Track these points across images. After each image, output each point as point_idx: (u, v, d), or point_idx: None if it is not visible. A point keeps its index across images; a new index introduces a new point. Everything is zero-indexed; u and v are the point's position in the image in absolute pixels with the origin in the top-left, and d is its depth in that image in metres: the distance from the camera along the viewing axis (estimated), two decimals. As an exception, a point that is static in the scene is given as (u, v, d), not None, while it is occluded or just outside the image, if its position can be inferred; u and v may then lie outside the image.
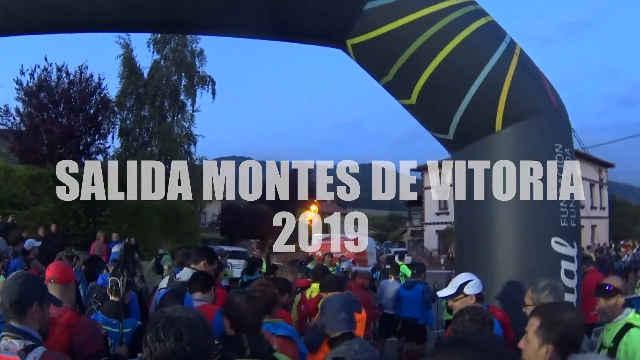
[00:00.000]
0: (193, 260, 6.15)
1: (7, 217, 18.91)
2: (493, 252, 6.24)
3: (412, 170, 56.45)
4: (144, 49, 34.76)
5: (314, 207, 52.82)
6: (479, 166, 6.34)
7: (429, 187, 56.61)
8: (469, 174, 6.49)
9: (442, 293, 5.03)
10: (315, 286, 7.69)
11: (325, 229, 53.04)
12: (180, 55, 33.92)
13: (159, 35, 33.70)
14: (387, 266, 16.91)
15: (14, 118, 27.50)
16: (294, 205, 54.57)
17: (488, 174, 6.24)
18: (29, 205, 21.96)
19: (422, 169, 57.57)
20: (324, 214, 59.21)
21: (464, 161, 6.59)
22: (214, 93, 35.25)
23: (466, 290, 4.68)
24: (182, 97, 34.50)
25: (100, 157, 31.32)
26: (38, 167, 23.80)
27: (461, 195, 6.72)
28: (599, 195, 55.95)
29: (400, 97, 6.86)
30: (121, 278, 4.79)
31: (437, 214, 56.30)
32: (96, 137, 30.11)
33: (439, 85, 6.26)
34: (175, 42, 34.16)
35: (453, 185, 7.02)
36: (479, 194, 6.35)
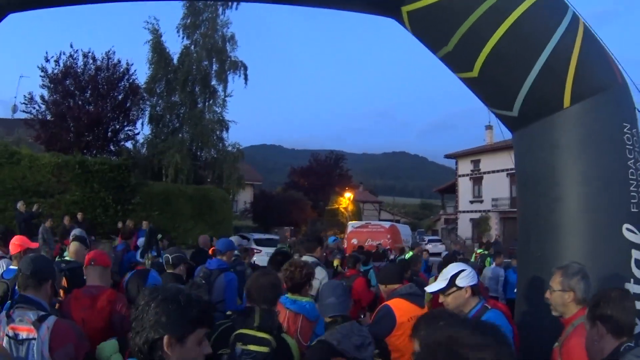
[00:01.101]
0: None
1: (31, 205, 18.46)
2: (561, 241, 5.57)
3: (446, 157, 56.50)
4: (173, 35, 34.01)
5: (348, 194, 52.00)
6: (545, 145, 5.82)
7: (463, 175, 56.01)
8: (535, 154, 5.99)
9: (431, 288, 4.38)
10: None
11: (359, 216, 52.91)
12: (210, 40, 33.11)
13: (189, 20, 33.25)
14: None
15: (39, 106, 27.20)
16: (327, 192, 54.39)
17: (555, 154, 5.71)
18: (54, 193, 21.48)
19: (457, 157, 57.05)
20: (357, 201, 58.82)
21: (528, 141, 6.11)
22: (246, 78, 34.42)
23: (459, 282, 4.10)
24: (213, 82, 33.69)
25: (129, 144, 30.84)
26: (64, 154, 23.25)
27: (525, 179, 6.27)
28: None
29: (461, 70, 6.25)
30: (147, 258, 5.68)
31: (471, 202, 55.89)
32: (125, 124, 29.70)
33: (504, 56, 5.64)
34: (205, 27, 33.42)
35: (516, 167, 6.58)
36: (544, 177, 5.82)
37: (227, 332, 3.72)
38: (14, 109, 28.23)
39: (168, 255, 6.33)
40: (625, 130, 5.58)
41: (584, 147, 5.54)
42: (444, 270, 4.30)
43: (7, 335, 3.27)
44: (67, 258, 6.19)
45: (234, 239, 12.19)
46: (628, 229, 5.35)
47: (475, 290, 4.15)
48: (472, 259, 18.20)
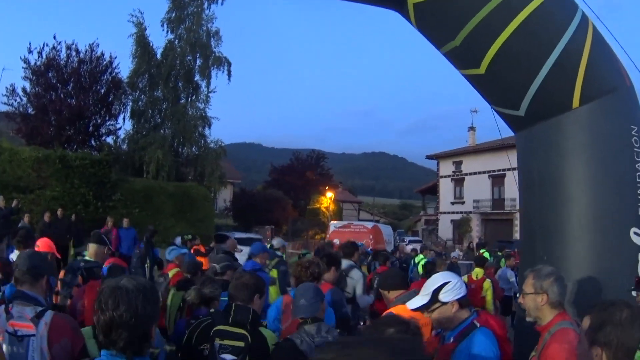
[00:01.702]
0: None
1: (11, 201, 18.07)
2: (568, 244, 5.51)
3: (427, 158, 56.63)
4: (157, 29, 33.60)
5: (329, 194, 51.79)
6: (552, 146, 5.74)
7: (444, 176, 56.19)
8: (540, 155, 5.88)
9: (412, 304, 3.79)
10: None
11: (339, 216, 52.68)
12: (195, 35, 32.71)
13: (174, 14, 32.82)
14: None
15: (20, 99, 26.71)
16: (308, 192, 54.15)
17: (562, 155, 5.62)
18: (34, 188, 21.04)
19: (438, 158, 57.24)
20: (337, 201, 58.62)
21: (534, 141, 5.98)
22: (229, 74, 34.00)
23: (442, 296, 3.62)
24: (196, 78, 33.35)
25: (110, 139, 30.40)
26: (44, 148, 22.81)
27: (530, 180, 6.10)
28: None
29: (466, 66, 6.12)
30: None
31: (452, 203, 55.92)
32: (107, 118, 29.27)
33: (513, 53, 5.50)
34: (190, 21, 33.00)
35: (519, 168, 6.43)
36: (551, 178, 5.73)
37: (207, 328, 3.93)
38: (-5, 102, 27.63)
39: (215, 265, 6.95)
40: (633, 132, 5.54)
41: (591, 149, 5.47)
42: (426, 283, 3.81)
43: (7, 331, 3.32)
44: (86, 257, 6.24)
45: (277, 241, 12.80)
46: (636, 233, 5.31)
47: (464, 302, 3.68)
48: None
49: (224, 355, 3.81)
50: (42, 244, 6.29)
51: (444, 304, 3.61)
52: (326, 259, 6.42)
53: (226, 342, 3.81)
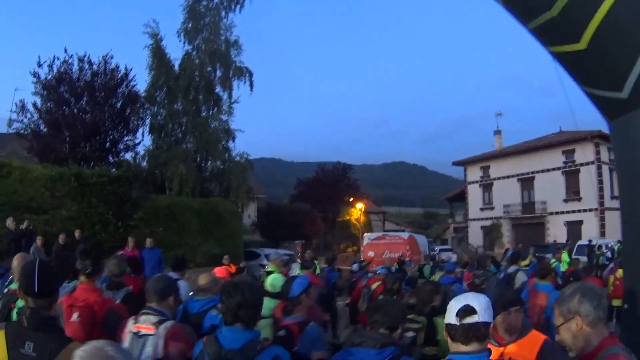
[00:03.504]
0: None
1: (21, 222, 16.53)
2: None
3: (454, 164, 55.91)
4: (173, 40, 32.21)
5: (359, 205, 50.13)
6: None
7: (472, 182, 55.45)
8: None
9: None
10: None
11: (368, 228, 51.27)
12: (213, 44, 31.30)
13: (190, 24, 31.49)
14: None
15: (30, 115, 25.25)
16: (336, 204, 52.62)
17: None
18: (48, 209, 19.29)
19: (465, 164, 56.24)
20: (366, 212, 57.17)
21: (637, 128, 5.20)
22: (251, 85, 32.61)
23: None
24: (217, 89, 31.97)
25: (129, 155, 28.87)
26: (58, 166, 21.18)
27: (635, 173, 5.34)
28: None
29: (562, 42, 5.32)
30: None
31: (482, 209, 55.87)
32: (124, 133, 27.71)
33: (619, 23, 4.77)
34: (207, 31, 31.67)
35: (618, 160, 5.86)
36: None
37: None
38: (10, 123, 26.28)
39: None
40: None
41: None
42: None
43: (130, 331, 4.04)
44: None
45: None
46: None
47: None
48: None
49: None
50: (219, 271, 7.48)
51: None
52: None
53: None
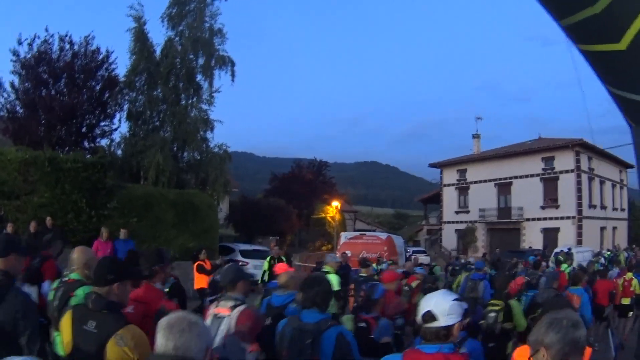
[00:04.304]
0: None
1: (-7, 208, 15.85)
2: None
3: (430, 166, 56.10)
4: (157, 25, 31.25)
5: (335, 203, 49.68)
6: None
7: (448, 185, 55.48)
8: None
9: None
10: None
11: (343, 226, 50.90)
12: (197, 32, 30.39)
13: (175, 9, 30.45)
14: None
15: (7, 95, 24.45)
16: (311, 201, 52.11)
17: None
18: (20, 194, 18.45)
19: (442, 166, 56.40)
20: (341, 211, 56.78)
21: None
22: (233, 75, 31.52)
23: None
24: (198, 78, 30.91)
25: (105, 141, 27.97)
26: (32, 149, 20.35)
27: None
28: (620, 196, 55.25)
29: (600, 41, 4.93)
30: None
31: (457, 212, 56.06)
32: (101, 118, 26.88)
33: None
34: (192, 17, 30.64)
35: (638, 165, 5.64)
36: None
37: None
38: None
39: None
40: None
41: None
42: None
43: (211, 314, 4.96)
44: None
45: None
46: None
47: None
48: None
49: None
50: (279, 268, 8.51)
51: None
52: None
53: None
